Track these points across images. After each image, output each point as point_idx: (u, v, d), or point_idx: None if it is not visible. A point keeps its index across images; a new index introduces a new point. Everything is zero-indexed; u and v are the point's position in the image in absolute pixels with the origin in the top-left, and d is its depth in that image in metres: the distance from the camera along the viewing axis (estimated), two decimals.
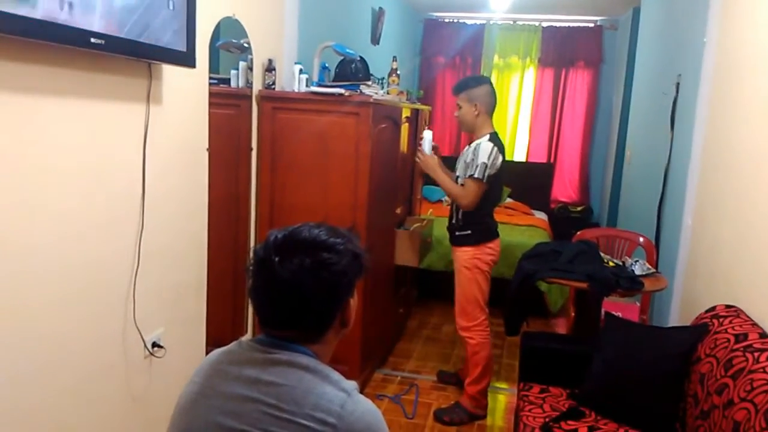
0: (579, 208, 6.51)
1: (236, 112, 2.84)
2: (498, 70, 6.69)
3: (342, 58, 3.24)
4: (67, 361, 1.76)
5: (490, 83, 3.08)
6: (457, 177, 3.04)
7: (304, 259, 1.13)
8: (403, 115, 3.73)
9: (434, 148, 3.11)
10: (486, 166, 2.86)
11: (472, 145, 2.98)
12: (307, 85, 3.01)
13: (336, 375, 1.14)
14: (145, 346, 2.10)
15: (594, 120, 6.61)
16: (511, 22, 6.59)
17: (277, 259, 1.13)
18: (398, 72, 3.84)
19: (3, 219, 1.50)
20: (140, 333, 2.05)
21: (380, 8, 5.12)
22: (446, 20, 6.84)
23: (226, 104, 2.69)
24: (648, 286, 2.78)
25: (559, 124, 6.65)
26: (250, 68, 2.82)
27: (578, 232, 3.73)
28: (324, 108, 2.93)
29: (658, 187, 3.66)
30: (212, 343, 2.51)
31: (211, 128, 2.45)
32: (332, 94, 2.91)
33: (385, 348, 3.77)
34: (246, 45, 2.74)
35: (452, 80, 6.48)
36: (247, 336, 2.91)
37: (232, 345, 1.21)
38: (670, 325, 3.03)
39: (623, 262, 2.97)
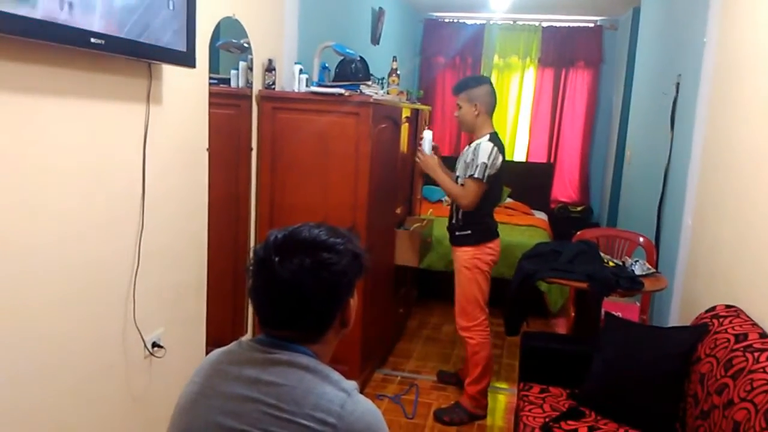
0: (579, 208, 6.51)
1: (236, 112, 2.84)
2: (498, 70, 6.69)
3: (342, 58, 3.24)
4: (67, 361, 1.76)
5: (490, 83, 3.08)
6: (457, 177, 3.04)
7: (304, 259, 1.13)
8: (403, 115, 3.73)
9: (434, 148, 3.11)
10: (486, 166, 2.86)
11: (472, 145, 2.98)
12: (307, 85, 3.01)
13: (336, 375, 1.14)
14: (145, 346, 2.10)
15: (594, 120, 6.62)
16: (511, 22, 6.59)
17: (277, 259, 1.13)
18: (398, 72, 3.84)
19: (3, 219, 1.50)
20: (140, 333, 2.05)
21: (380, 8, 5.12)
22: (446, 20, 6.84)
23: (226, 104, 2.69)
24: (648, 286, 2.78)
25: (559, 124, 6.65)
26: (250, 68, 2.82)
27: (578, 232, 3.73)
28: (324, 108, 2.93)
29: (658, 187, 3.66)
30: (212, 343, 2.51)
31: (211, 128, 2.45)
32: (332, 94, 2.91)
33: (385, 348, 3.77)
34: (246, 45, 2.74)
35: (452, 80, 6.48)
36: (247, 336, 2.91)
37: (232, 345, 1.21)
38: (670, 325, 3.03)
39: (623, 262, 2.97)
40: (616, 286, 2.69)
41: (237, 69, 2.75)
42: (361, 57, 3.28)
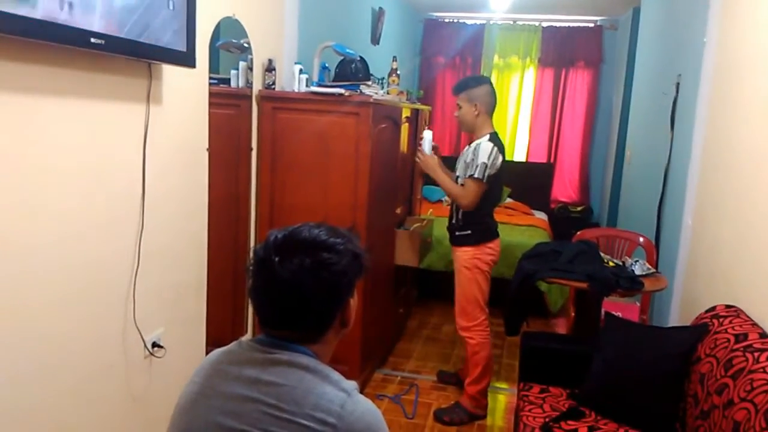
0: (579, 208, 6.51)
1: (236, 112, 2.84)
2: (498, 70, 6.69)
3: (342, 58, 3.24)
4: (68, 360, 1.76)
5: (490, 83, 3.08)
6: (457, 177, 3.04)
7: (304, 259, 1.13)
8: (403, 115, 3.73)
9: (434, 148, 3.11)
10: (486, 166, 2.86)
11: (472, 145, 2.98)
12: (307, 85, 3.01)
13: (336, 375, 1.14)
14: (145, 346, 2.10)
15: (594, 120, 6.62)
16: (511, 22, 6.59)
17: (277, 259, 1.12)
18: (398, 72, 3.84)
19: (3, 219, 1.50)
20: (140, 333, 2.05)
21: (380, 8, 5.12)
22: (446, 20, 6.84)
23: (226, 104, 2.69)
24: (648, 286, 2.78)
25: (559, 124, 6.65)
26: (250, 68, 2.82)
27: (578, 232, 3.73)
28: (324, 108, 2.93)
29: (658, 187, 3.66)
30: (212, 343, 2.51)
31: (211, 128, 2.45)
32: (332, 94, 2.91)
33: (385, 348, 3.77)
34: (246, 45, 2.74)
35: (452, 80, 6.47)
36: (247, 336, 2.91)
37: (232, 345, 1.21)
38: (670, 325, 3.03)
39: (623, 262, 2.97)
40: (616, 286, 2.69)
41: (237, 69, 2.75)
42: (361, 57, 3.28)
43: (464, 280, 3.02)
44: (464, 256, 3.01)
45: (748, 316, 2.08)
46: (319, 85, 3.05)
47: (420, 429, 2.98)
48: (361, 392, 1.17)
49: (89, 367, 1.85)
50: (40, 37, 1.45)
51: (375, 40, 5.08)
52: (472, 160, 2.90)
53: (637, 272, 2.84)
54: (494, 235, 3.06)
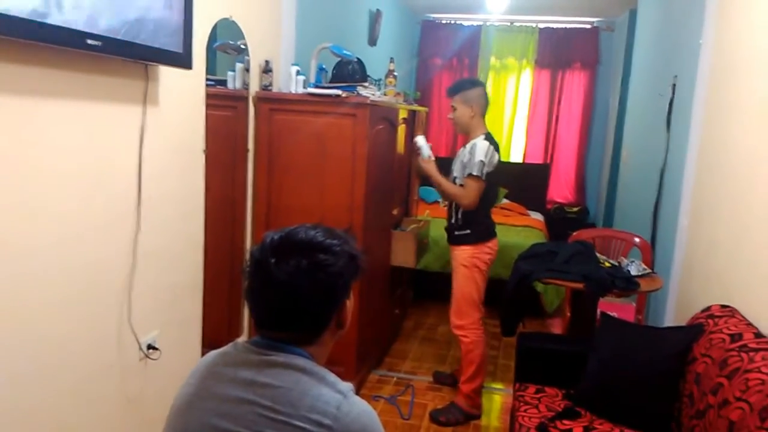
0: (575, 209, 6.52)
1: (233, 113, 2.84)
2: (495, 72, 6.71)
3: (339, 59, 3.25)
4: (66, 361, 1.76)
5: (484, 85, 3.15)
6: (455, 178, 3.05)
7: (301, 260, 1.13)
8: (400, 117, 3.74)
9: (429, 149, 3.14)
10: (483, 164, 2.89)
11: (467, 145, 3.00)
12: (304, 87, 3.02)
13: (332, 377, 1.14)
14: (140, 348, 2.09)
15: (590, 121, 6.63)
16: (508, 24, 6.60)
17: (273, 260, 1.12)
18: (395, 73, 3.85)
19: (1, 221, 1.50)
20: (135, 335, 2.05)
21: (377, 10, 5.12)
22: (443, 21, 6.85)
23: (222, 106, 2.69)
24: (644, 287, 2.79)
25: (555, 125, 6.67)
26: (247, 69, 2.82)
27: (574, 233, 3.73)
28: (321, 109, 2.93)
29: (654, 187, 3.68)
30: (208, 344, 2.51)
31: (208, 130, 2.45)
32: (329, 96, 2.91)
33: (381, 349, 3.77)
34: (243, 46, 2.74)
35: (449, 81, 6.47)
36: (243, 337, 2.91)
37: (228, 347, 1.21)
38: (666, 325, 3.04)
39: (619, 263, 2.98)
40: (611, 287, 2.70)
41: (234, 70, 2.75)
42: (358, 58, 3.28)
43: (462, 278, 3.04)
44: (463, 254, 3.03)
45: (743, 316, 2.09)
46: (316, 87, 3.05)
47: (416, 430, 2.98)
48: (357, 393, 1.17)
49: (86, 369, 1.85)
50: (36, 38, 1.45)
51: (372, 41, 5.09)
52: (469, 159, 2.92)
53: (633, 272, 2.85)
54: (492, 234, 3.09)
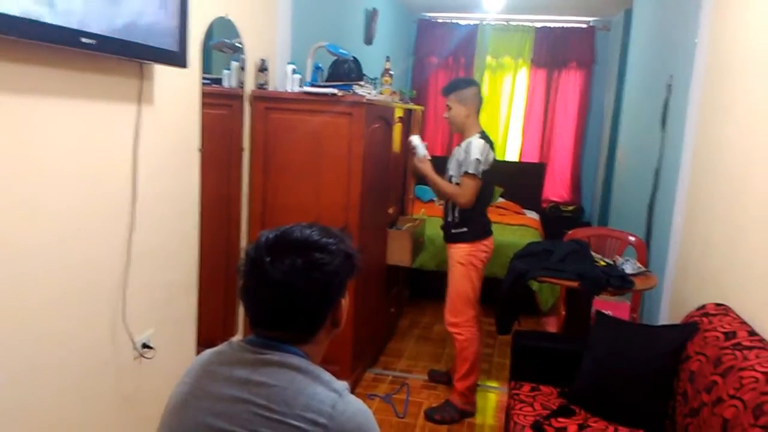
0: (570, 208, 6.53)
1: (228, 112, 2.84)
2: (491, 71, 6.71)
3: (335, 58, 3.25)
4: (61, 360, 1.76)
5: (478, 85, 3.18)
6: (451, 176, 3.06)
7: (296, 259, 1.13)
8: (396, 115, 3.74)
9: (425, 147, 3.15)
10: (479, 162, 2.90)
11: (462, 144, 3.01)
12: (300, 85, 3.01)
13: (327, 375, 1.14)
14: (135, 346, 2.09)
15: (586, 120, 6.64)
16: (504, 23, 6.61)
17: (268, 259, 1.12)
18: (391, 72, 3.85)
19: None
20: (130, 334, 2.04)
21: (374, 9, 5.12)
22: (439, 20, 6.84)
23: (218, 104, 2.68)
24: (638, 285, 2.80)
25: (551, 124, 6.67)
26: (243, 68, 2.81)
27: (570, 232, 3.74)
28: (317, 108, 2.93)
29: (649, 186, 3.69)
30: (203, 343, 2.51)
31: (204, 128, 2.44)
32: (325, 94, 2.91)
33: (377, 347, 3.77)
34: (239, 45, 2.74)
35: (445, 80, 6.44)
36: (238, 336, 2.91)
37: (223, 345, 1.21)
38: (660, 323, 3.05)
39: (614, 261, 2.99)
40: (606, 285, 2.71)
41: (229, 69, 2.75)
42: (354, 57, 3.28)
43: (458, 275, 3.04)
44: (460, 252, 3.04)
45: (737, 315, 2.10)
46: (312, 85, 3.05)
47: (411, 428, 2.98)
48: (352, 392, 1.17)
49: (80, 367, 1.84)
50: (31, 36, 1.44)
51: (368, 40, 5.08)
52: (465, 157, 2.94)
53: (628, 271, 2.86)
54: (489, 232, 3.10)
